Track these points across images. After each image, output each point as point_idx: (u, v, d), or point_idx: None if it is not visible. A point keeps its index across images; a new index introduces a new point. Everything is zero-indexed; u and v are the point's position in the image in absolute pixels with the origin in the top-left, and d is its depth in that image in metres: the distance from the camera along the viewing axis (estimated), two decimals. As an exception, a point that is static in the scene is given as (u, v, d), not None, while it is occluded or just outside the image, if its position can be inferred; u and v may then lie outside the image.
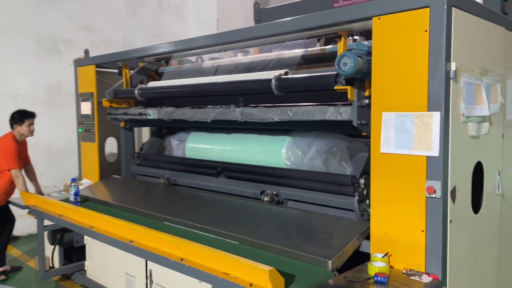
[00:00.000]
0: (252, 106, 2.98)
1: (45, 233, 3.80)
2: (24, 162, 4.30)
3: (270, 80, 2.75)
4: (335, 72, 2.48)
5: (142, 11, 6.13)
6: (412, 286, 1.96)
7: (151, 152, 4.46)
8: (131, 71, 4.21)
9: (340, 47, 2.54)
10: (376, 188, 2.24)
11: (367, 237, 2.37)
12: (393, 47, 2.13)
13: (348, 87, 2.37)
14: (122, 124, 4.29)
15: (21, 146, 4.24)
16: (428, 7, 2.00)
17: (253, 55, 3.52)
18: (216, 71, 3.63)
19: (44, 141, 5.24)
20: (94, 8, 5.63)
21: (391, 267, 2.14)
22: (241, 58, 3.62)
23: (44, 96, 5.41)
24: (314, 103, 2.74)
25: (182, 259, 2.34)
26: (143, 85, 3.84)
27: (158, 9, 6.30)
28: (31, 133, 4.22)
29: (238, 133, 3.55)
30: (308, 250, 2.27)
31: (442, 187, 2.00)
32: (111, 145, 4.51)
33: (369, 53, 2.30)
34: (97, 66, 4.27)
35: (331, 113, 2.49)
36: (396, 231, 2.16)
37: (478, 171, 2.33)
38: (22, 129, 4.16)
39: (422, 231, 2.08)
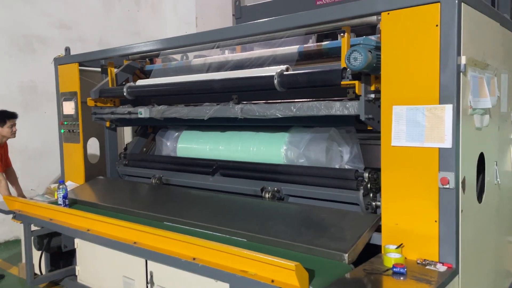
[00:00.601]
0: (253, 103, 2.95)
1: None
2: (5, 165, 4.11)
3: (272, 76, 2.74)
4: (341, 67, 2.51)
5: (119, 8, 5.98)
6: (430, 276, 2.00)
7: (136, 152, 4.37)
8: (116, 70, 4.10)
9: (344, 42, 2.55)
10: (387, 181, 2.27)
11: (376, 230, 2.42)
12: (403, 42, 2.16)
13: (356, 82, 2.39)
14: (107, 124, 4.17)
15: (1, 149, 4.05)
16: (439, 2, 2.05)
17: (247, 52, 3.49)
18: (209, 68, 3.58)
19: (19, 144, 5.02)
20: (69, 4, 5.44)
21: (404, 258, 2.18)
22: (233, 55, 3.59)
23: (18, 96, 5.18)
24: (314, 99, 2.75)
25: (194, 259, 2.30)
26: (132, 84, 3.75)
27: (134, 6, 6.16)
28: (13, 134, 4.04)
29: (232, 130, 3.53)
30: (322, 244, 2.28)
31: (455, 178, 2.06)
32: (91, 146, 4.36)
33: (377, 47, 2.33)
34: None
35: (338, 108, 2.51)
36: (408, 222, 2.21)
37: (480, 162, 2.41)
38: (4, 130, 3.98)
39: (436, 221, 2.12)
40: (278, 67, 2.89)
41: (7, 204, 3.60)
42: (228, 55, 3.60)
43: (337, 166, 3.00)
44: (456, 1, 2.01)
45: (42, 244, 3.71)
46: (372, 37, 2.50)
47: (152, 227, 2.60)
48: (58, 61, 4.28)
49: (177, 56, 4.52)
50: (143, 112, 3.56)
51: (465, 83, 2.12)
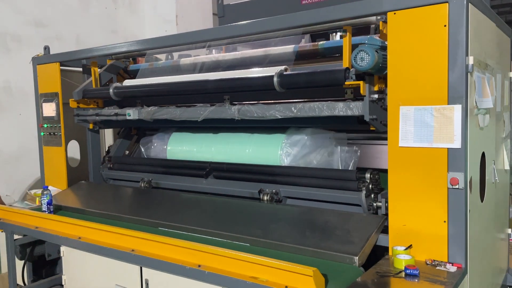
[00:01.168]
0: (250, 104, 2.89)
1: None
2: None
3: (271, 76, 2.69)
4: (343, 67, 2.49)
5: (96, 6, 5.78)
6: (442, 276, 1.99)
7: (119, 155, 4.23)
8: (99, 70, 3.95)
9: (345, 42, 2.53)
10: (394, 182, 2.26)
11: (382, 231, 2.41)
12: (410, 42, 2.15)
13: (361, 82, 2.37)
14: (91, 126, 4.02)
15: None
16: (447, 2, 2.05)
17: (239, 52, 3.43)
18: (200, 68, 3.49)
19: (-9, 147, 4.79)
20: (44, 2, 5.22)
21: (413, 259, 2.17)
22: (225, 54, 3.51)
23: (-10, 97, 4.93)
24: (314, 99, 2.71)
25: (199, 266, 2.22)
26: (118, 84, 3.61)
27: (112, 3, 5.97)
28: None
29: (224, 132, 3.46)
30: (331, 248, 2.25)
31: (464, 178, 2.06)
32: (69, 149, 4.18)
33: (382, 48, 2.31)
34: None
35: (341, 108, 2.48)
36: (416, 223, 2.20)
37: (481, 161, 2.44)
38: None
39: (444, 221, 2.12)
40: (276, 67, 2.82)
41: (-14, 211, 3.41)
42: (219, 55, 3.52)
43: (334, 167, 2.98)
44: (465, 2, 2.01)
45: (25, 253, 3.53)
46: (376, 37, 2.47)
47: (152, 234, 2.51)
48: (37, 61, 4.09)
49: (161, 56, 4.42)
50: (132, 113, 3.44)
51: (471, 83, 2.13)
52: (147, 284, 2.75)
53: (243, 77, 2.85)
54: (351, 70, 2.44)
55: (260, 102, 2.92)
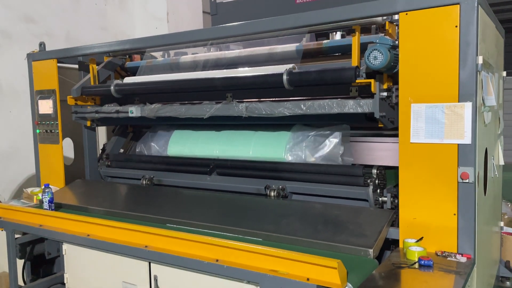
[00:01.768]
0: (258, 101, 2.93)
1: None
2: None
3: (281, 74, 2.73)
4: (352, 66, 2.55)
5: (86, 2, 5.70)
6: (455, 266, 2.08)
7: (115, 153, 4.21)
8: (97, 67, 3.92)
9: (354, 41, 2.59)
10: (405, 176, 2.34)
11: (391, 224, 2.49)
12: (421, 42, 2.23)
13: (372, 80, 2.44)
14: (88, 123, 3.99)
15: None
16: (458, 4, 2.13)
17: (243, 50, 3.46)
18: (202, 66, 3.51)
19: (-19, 146, 4.69)
20: (34, -3, 5.13)
21: (424, 250, 2.25)
22: (226, 52, 3.54)
23: (-21, 95, 4.81)
24: (320, 97, 2.77)
25: (217, 260, 2.25)
26: (119, 81, 3.60)
27: (102, 0, 5.90)
28: None
29: (228, 129, 3.49)
30: (345, 241, 2.31)
31: (474, 173, 2.16)
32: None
33: (393, 47, 2.39)
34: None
35: (351, 106, 2.54)
36: (427, 216, 2.28)
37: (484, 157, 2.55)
38: None
39: (454, 214, 2.22)
40: (283, 66, 2.87)
41: (-14, 210, 3.35)
42: (221, 53, 3.55)
43: (339, 163, 3.04)
44: (476, 3, 2.10)
45: (25, 252, 3.49)
46: (386, 36, 2.55)
47: (165, 229, 2.52)
48: (33, 57, 4.03)
49: (155, 54, 4.42)
50: (135, 110, 3.43)
51: (479, 81, 2.22)
52: (156, 280, 2.76)
53: (252, 75, 2.89)
54: (361, 68, 2.51)
55: (267, 99, 2.96)
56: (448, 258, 2.18)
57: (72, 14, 5.54)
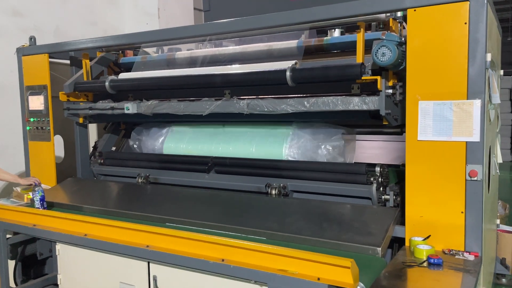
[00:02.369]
0: (260, 98, 2.88)
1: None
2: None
3: (284, 70, 2.69)
4: (357, 63, 2.53)
5: (75, -4, 5.59)
6: (464, 265, 2.07)
7: (107, 150, 4.12)
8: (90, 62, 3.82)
9: (359, 38, 2.57)
10: (412, 174, 2.32)
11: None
12: (429, 38, 2.22)
13: (378, 77, 2.42)
14: (81, 120, 3.89)
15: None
16: (468, 0, 2.12)
17: (241, 46, 3.40)
18: (200, 62, 3.45)
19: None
20: (22, -10, 4.99)
21: (431, 248, 2.24)
22: (225, 48, 3.48)
23: (-37, 90, 4.66)
24: (325, 94, 2.74)
25: (223, 260, 2.20)
26: (114, 77, 3.51)
27: (91, -6, 5.78)
28: None
29: (225, 127, 3.43)
30: (352, 239, 2.28)
31: (482, 170, 2.15)
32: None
33: (399, 43, 2.37)
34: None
35: (356, 103, 2.52)
36: (434, 214, 2.27)
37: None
38: None
39: (462, 212, 2.21)
40: (285, 62, 2.83)
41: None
42: (219, 49, 3.49)
43: (339, 161, 3.02)
44: (486, 0, 2.09)
45: (16, 253, 3.38)
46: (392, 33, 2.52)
47: (167, 228, 2.46)
48: (23, 52, 3.91)
49: (148, 49, 4.34)
50: (131, 107, 3.35)
51: (487, 79, 2.22)
52: (155, 280, 2.70)
53: (254, 71, 2.83)
54: (366, 65, 2.48)
55: (268, 96, 2.91)
56: (456, 256, 2.17)
57: (61, 8, 5.41)
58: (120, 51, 4.12)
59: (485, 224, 2.41)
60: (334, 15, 2.47)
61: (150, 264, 2.65)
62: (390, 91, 2.47)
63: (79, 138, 4.02)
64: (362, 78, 2.47)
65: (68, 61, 3.99)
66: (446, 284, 1.91)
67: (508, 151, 11.54)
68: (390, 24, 2.66)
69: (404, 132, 3.06)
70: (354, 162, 3.00)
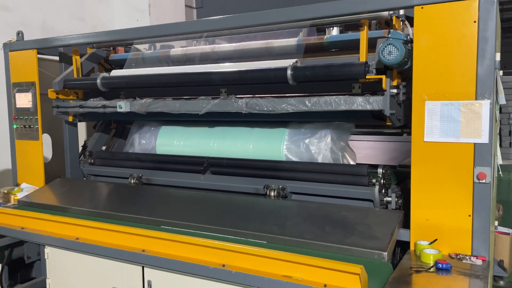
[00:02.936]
0: (259, 97, 2.79)
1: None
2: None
3: (285, 69, 2.61)
4: (361, 61, 2.46)
5: (63, -9, 5.43)
6: (473, 270, 2.02)
7: (97, 149, 3.99)
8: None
9: (362, 36, 2.50)
10: (417, 176, 2.26)
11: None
12: (437, 37, 2.15)
13: (383, 77, 2.35)
14: (70, 119, 3.76)
15: None
16: (477, -1, 2.07)
17: (237, 43, 3.31)
18: (195, 59, 3.35)
19: None
20: (8, -16, 4.83)
21: (436, 253, 2.18)
22: (221, 46, 3.39)
23: None
24: (325, 94, 2.67)
25: (223, 265, 2.11)
26: (106, 74, 3.39)
27: (80, -11, 5.63)
28: None
29: (220, 126, 3.34)
30: (357, 244, 2.21)
31: (491, 173, 2.10)
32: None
33: (405, 42, 2.30)
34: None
35: (359, 103, 2.45)
36: (440, 217, 2.21)
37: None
38: None
39: (469, 215, 2.15)
40: (285, 60, 2.75)
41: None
42: (215, 46, 3.40)
43: (339, 162, 2.95)
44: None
45: (3, 256, 3.25)
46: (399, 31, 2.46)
47: (164, 232, 2.37)
48: (10, 47, 3.76)
49: (139, 46, 4.23)
50: (124, 105, 3.23)
51: (495, 79, 2.17)
52: (149, 285, 2.60)
53: (254, 69, 2.75)
54: (370, 64, 2.42)
55: (268, 95, 2.83)
56: (463, 261, 2.12)
57: (48, 3, 5.26)
58: (111, 48, 3.99)
59: (490, 227, 2.36)
60: (338, 12, 2.40)
61: (145, 268, 2.56)
62: (395, 90, 2.41)
63: (68, 137, 3.88)
64: (367, 77, 2.40)
65: (56, 57, 3.86)
66: (457, 290, 1.86)
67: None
68: (394, 23, 2.61)
69: (405, 132, 3.06)
70: (355, 164, 2.93)
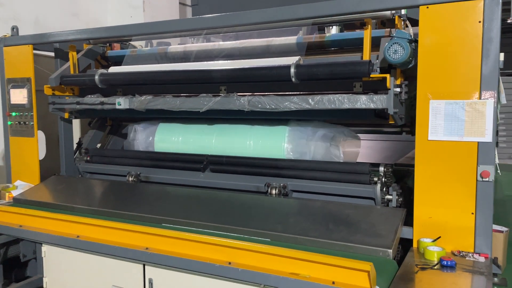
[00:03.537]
0: (262, 95, 2.78)
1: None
2: None
3: (288, 66, 2.61)
4: (367, 60, 2.47)
5: (56, -14, 5.36)
6: (476, 267, 2.04)
7: (93, 147, 3.95)
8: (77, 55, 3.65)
9: (366, 35, 2.51)
10: (421, 175, 2.28)
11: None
12: (442, 37, 2.18)
13: (387, 75, 2.37)
14: (66, 115, 3.71)
15: None
16: (482, -1, 2.09)
17: (237, 41, 3.30)
18: (194, 57, 3.33)
19: None
20: (0, -22, 4.74)
21: (439, 250, 2.21)
22: (221, 43, 3.38)
23: None
24: (330, 92, 2.67)
25: (229, 263, 2.11)
26: (104, 70, 3.35)
27: (73, -16, 5.56)
28: None
29: (219, 123, 3.33)
30: (361, 241, 2.22)
31: (494, 171, 2.13)
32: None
33: (409, 41, 2.32)
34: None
35: (363, 101, 2.46)
36: (443, 215, 2.24)
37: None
38: None
39: (472, 213, 2.18)
40: (287, 58, 2.75)
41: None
42: (214, 44, 3.38)
43: (339, 160, 2.97)
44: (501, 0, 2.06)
45: (-1, 255, 3.20)
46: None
47: (168, 230, 2.35)
48: (4, 42, 3.70)
49: (135, 43, 4.20)
50: (123, 102, 3.20)
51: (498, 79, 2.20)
52: (151, 283, 2.59)
53: (256, 67, 2.74)
54: (374, 63, 2.43)
55: (270, 93, 2.82)
56: (466, 258, 2.14)
57: (41, -2, 5.20)
58: (108, 44, 3.95)
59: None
60: (342, 10, 2.40)
61: (146, 266, 2.54)
62: (398, 89, 2.43)
63: (63, 134, 3.84)
64: (371, 76, 2.41)
65: (51, 53, 3.81)
66: (463, 287, 1.88)
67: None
68: (396, 22, 2.62)
69: (405, 131, 3.08)
70: (357, 162, 2.94)
